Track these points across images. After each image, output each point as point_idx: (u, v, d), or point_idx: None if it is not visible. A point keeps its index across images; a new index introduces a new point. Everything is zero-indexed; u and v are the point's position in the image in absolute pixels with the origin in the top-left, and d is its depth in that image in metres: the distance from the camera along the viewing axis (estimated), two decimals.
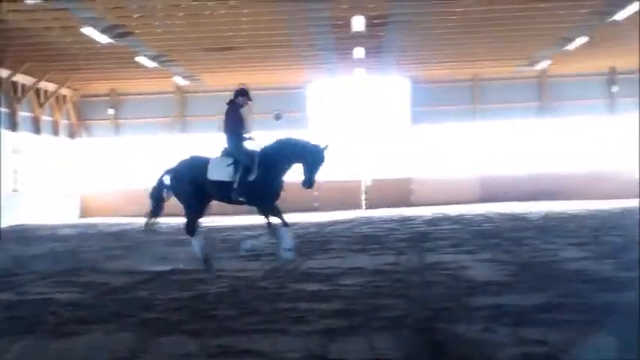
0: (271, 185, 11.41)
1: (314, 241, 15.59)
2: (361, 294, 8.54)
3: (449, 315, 7.14)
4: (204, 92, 33.62)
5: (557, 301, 7.64)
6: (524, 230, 16.70)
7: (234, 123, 11.50)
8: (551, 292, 8.23)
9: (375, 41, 25.37)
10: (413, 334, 6.48)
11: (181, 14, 21.33)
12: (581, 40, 25.80)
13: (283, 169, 11.42)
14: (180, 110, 34.67)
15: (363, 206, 33.14)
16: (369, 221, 22.32)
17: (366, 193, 33.63)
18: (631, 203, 27.38)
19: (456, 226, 18.72)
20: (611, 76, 34.17)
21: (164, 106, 34.54)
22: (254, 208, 11.63)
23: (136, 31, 23.07)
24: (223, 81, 31.29)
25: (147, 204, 11.76)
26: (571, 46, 26.70)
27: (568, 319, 6.77)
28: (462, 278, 9.53)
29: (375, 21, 22.23)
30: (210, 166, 11.27)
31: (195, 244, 11.24)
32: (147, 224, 11.76)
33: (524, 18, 22.92)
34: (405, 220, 22.16)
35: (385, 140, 34.45)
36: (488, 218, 21.72)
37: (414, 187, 33.95)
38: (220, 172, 11.23)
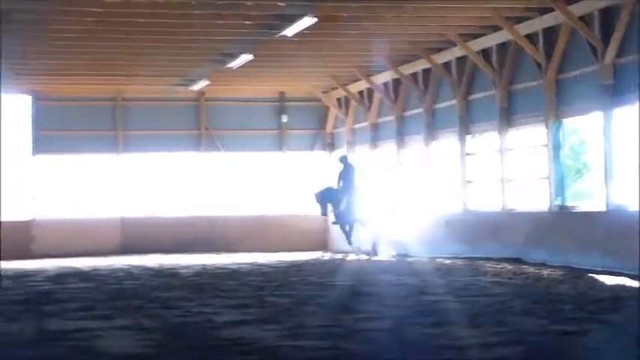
0: None
1: None
2: None
3: None
4: None
5: None
6: (174, 289, 16.94)
7: None
8: None
9: None
10: None
11: None
12: (245, 58, 26.73)
13: None
14: None
15: None
16: None
17: None
18: (302, 256, 28.67)
19: (88, 285, 18.59)
20: (281, 104, 35.72)
21: None
22: None
23: None
24: None
25: None
26: (234, 64, 27.58)
27: None
28: (93, 351, 9.45)
29: None
30: None
31: None
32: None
33: (177, 26, 23.32)
34: (21, 277, 21.59)
35: None
36: (129, 274, 21.83)
37: (36, 233, 33.12)
38: None
